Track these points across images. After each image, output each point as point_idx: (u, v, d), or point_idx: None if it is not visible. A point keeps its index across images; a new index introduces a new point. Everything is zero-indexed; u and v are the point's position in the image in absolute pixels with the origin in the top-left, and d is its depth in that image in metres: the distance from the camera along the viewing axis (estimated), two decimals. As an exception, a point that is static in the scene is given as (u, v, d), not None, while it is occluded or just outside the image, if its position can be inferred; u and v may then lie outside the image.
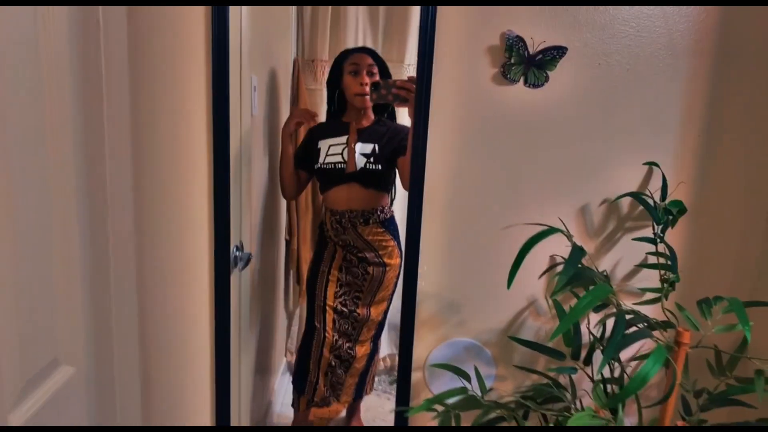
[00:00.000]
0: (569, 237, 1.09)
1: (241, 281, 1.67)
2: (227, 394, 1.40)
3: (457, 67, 1.25)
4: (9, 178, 0.84)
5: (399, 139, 2.07)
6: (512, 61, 1.22)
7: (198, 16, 1.21)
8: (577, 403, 1.26)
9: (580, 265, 0.95)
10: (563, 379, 1.33)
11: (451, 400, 1.27)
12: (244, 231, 1.72)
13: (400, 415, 1.40)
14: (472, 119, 1.28)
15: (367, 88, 2.06)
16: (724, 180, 1.30)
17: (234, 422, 1.50)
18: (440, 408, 1.26)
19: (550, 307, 1.37)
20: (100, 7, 1.06)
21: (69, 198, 1.02)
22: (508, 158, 1.30)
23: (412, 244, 1.32)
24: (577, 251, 0.95)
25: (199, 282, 1.36)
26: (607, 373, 1.19)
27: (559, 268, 1.27)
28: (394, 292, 2.33)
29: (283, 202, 2.83)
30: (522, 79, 1.25)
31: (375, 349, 2.39)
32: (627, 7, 1.20)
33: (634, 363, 1.33)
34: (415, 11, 2.90)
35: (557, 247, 1.31)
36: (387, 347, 3.21)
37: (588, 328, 1.27)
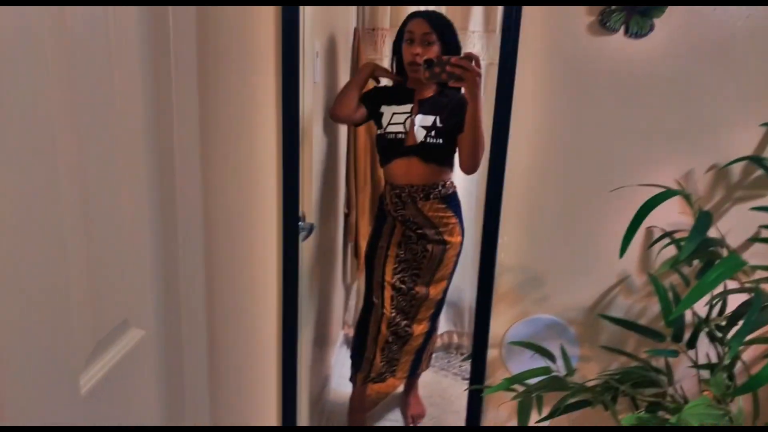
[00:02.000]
0: (690, 201, 0.96)
1: (303, 252, 1.62)
2: (294, 364, 1.36)
3: (548, 13, 1.13)
4: (79, 140, 0.80)
5: (462, 112, 1.92)
6: (612, 7, 1.09)
7: None
8: (677, 389, 1.15)
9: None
10: (656, 364, 1.21)
11: (531, 381, 1.18)
12: (305, 202, 1.67)
13: (475, 394, 1.31)
14: (565, 73, 1.16)
15: (419, 59, 1.92)
16: None
17: (297, 392, 1.46)
18: (520, 388, 1.17)
19: (644, 284, 1.25)
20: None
21: (138, 162, 0.98)
22: (604, 117, 1.17)
23: (492, 211, 1.22)
24: (705, 217, 0.83)
25: (267, 250, 1.32)
26: (708, 358, 1.06)
27: (666, 240, 1.14)
28: (453, 271, 2.24)
29: (342, 175, 2.77)
30: (623, 28, 1.11)
31: (433, 328, 2.32)
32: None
33: (748, 351, 1.19)
34: (483, -27, 2.75)
35: (655, 218, 1.18)
36: (444, 324, 3.13)
37: (692, 308, 1.15)
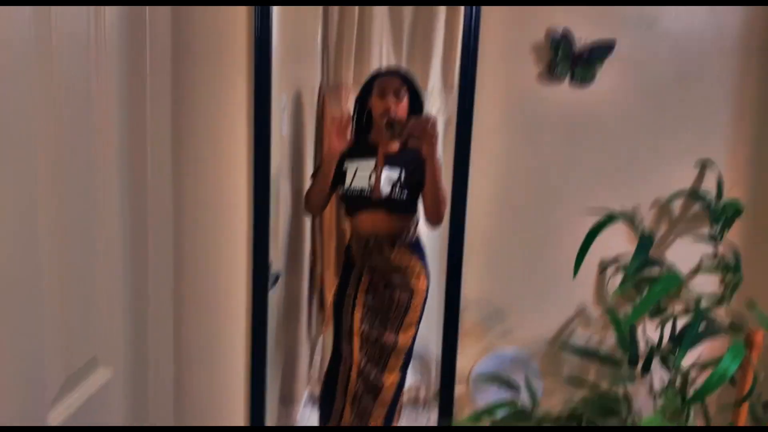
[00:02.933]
0: (634, 223, 1.04)
1: (270, 300, 1.63)
2: (262, 413, 1.34)
3: (502, 65, 1.24)
4: (60, 179, 0.83)
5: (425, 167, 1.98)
6: (558, 57, 1.20)
7: (241, 31, 1.23)
8: (634, 417, 1.19)
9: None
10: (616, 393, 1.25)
11: (499, 414, 1.20)
12: (272, 250, 1.69)
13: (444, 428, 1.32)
14: (517, 117, 1.26)
15: (393, 112, 2.01)
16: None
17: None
18: (487, 423, 1.19)
19: (601, 316, 1.31)
20: (147, 7, 1.07)
21: (112, 205, 1.02)
22: (554, 158, 1.26)
23: (456, 242, 1.27)
24: (646, 238, 0.90)
25: (236, 296, 1.34)
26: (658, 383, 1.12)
27: (619, 263, 1.21)
28: (421, 317, 2.25)
29: (308, 225, 2.80)
30: (568, 77, 1.22)
31: (403, 379, 2.30)
32: (675, 6, 1.19)
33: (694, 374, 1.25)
34: (439, 36, 2.93)
35: (605, 250, 1.26)
36: (411, 376, 3.11)
37: (644, 335, 1.21)
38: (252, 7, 1.23)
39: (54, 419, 0.84)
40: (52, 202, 0.81)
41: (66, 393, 0.88)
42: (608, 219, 0.93)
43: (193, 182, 1.28)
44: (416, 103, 2.09)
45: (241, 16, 1.24)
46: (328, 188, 2.12)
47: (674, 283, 0.80)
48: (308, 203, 2.22)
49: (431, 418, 2.91)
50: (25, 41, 0.71)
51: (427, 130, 1.66)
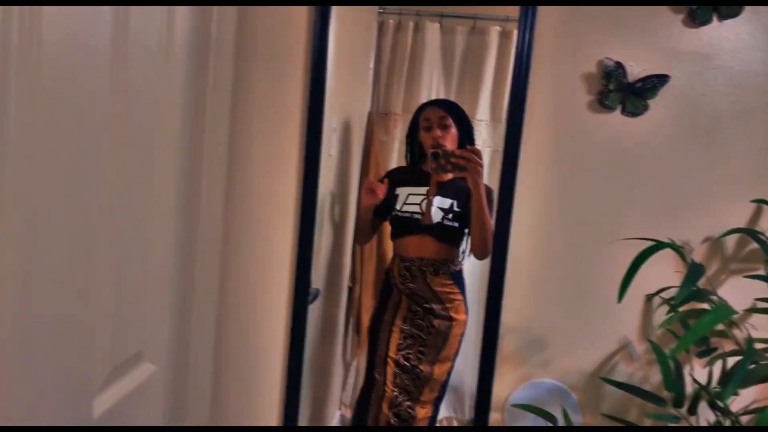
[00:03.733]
0: (682, 254, 1.01)
1: (309, 315, 1.65)
2: (295, 416, 1.35)
3: (552, 92, 1.25)
4: (120, 181, 0.87)
5: None
6: (610, 88, 1.20)
7: (299, 45, 1.28)
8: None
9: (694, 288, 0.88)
10: (659, 434, 1.21)
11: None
12: (313, 267, 1.72)
13: (476, 458, 1.30)
14: (566, 146, 1.26)
15: (441, 140, 2.05)
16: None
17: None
18: (522, 452, 1.16)
19: (645, 352, 1.27)
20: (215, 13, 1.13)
21: (167, 212, 1.06)
22: (602, 189, 1.25)
23: (497, 271, 1.27)
24: (696, 267, 0.88)
25: (276, 309, 1.37)
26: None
27: (665, 294, 1.18)
28: (458, 352, 2.22)
29: (349, 247, 2.83)
30: (620, 107, 1.22)
31: (436, 414, 2.26)
32: (732, 37, 1.18)
33: (746, 418, 1.19)
34: (490, 66, 2.96)
35: (652, 284, 1.23)
36: (444, 410, 3.05)
37: (692, 375, 1.16)
38: (311, 25, 1.28)
39: (99, 407, 0.87)
40: (111, 202, 0.85)
41: (112, 382, 0.91)
42: (657, 246, 0.92)
43: (245, 195, 1.33)
44: (466, 133, 2.11)
45: (300, 32, 1.29)
46: (370, 226, 2.17)
47: (726, 314, 0.77)
48: (356, 235, 2.29)
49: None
50: (102, 43, 0.76)
51: (473, 160, 1.67)
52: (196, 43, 1.09)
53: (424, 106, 2.20)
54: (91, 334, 0.83)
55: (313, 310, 1.82)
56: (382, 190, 2.07)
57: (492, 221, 1.84)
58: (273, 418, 1.40)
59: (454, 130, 2.08)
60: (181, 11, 1.00)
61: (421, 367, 2.10)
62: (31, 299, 0.65)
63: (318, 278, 1.98)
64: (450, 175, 2.08)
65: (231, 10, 1.18)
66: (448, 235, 2.06)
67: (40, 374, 0.71)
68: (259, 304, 1.37)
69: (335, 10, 1.40)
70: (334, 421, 2.93)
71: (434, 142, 2.05)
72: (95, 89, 0.77)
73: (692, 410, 1.09)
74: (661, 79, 1.19)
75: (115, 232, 0.86)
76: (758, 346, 1.15)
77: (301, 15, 1.30)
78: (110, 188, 0.83)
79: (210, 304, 1.27)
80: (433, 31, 2.64)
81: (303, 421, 1.82)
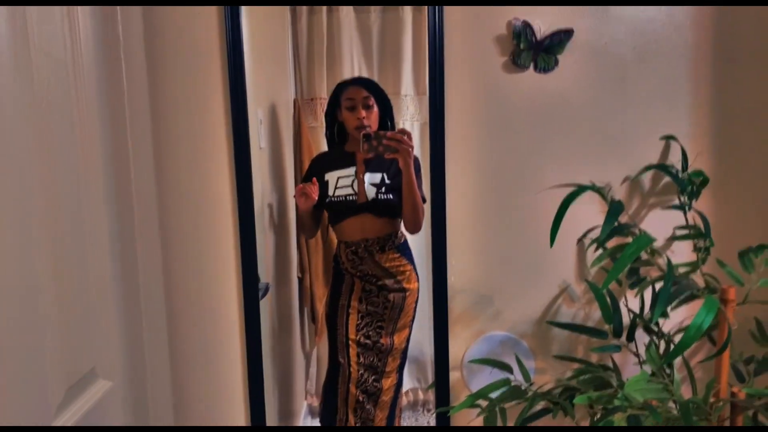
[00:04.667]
0: (603, 193, 1.09)
1: (261, 312, 1.65)
2: (262, 412, 1.36)
3: (468, 58, 1.29)
4: (51, 198, 0.85)
5: None
6: (521, 47, 1.26)
7: (213, 45, 1.27)
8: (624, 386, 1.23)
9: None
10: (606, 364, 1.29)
11: (493, 395, 1.23)
12: (260, 262, 1.72)
13: (442, 416, 1.35)
14: (486, 109, 1.31)
15: (366, 121, 2.07)
16: (741, 145, 1.32)
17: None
18: (484, 403, 1.22)
19: (583, 293, 1.35)
20: (120, 16, 1.10)
21: (101, 223, 1.04)
22: (525, 144, 1.31)
23: (438, 238, 1.31)
24: (616, 204, 0.95)
25: (227, 308, 1.36)
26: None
27: (593, 235, 1.25)
28: (414, 318, 2.29)
29: (293, 238, 2.82)
30: (532, 65, 1.28)
31: (400, 381, 2.33)
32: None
33: (678, 337, 1.30)
34: (407, 41, 2.99)
35: (582, 227, 1.31)
36: (408, 381, 3.12)
37: (626, 306, 1.25)
38: (223, 20, 1.27)
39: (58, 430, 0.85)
40: (44, 219, 0.83)
41: (68, 404, 0.90)
42: (579, 190, 0.98)
43: (178, 197, 1.31)
44: (386, 112, 2.14)
45: (212, 29, 1.27)
46: (311, 219, 2.19)
47: (646, 242, 0.84)
48: (301, 231, 2.31)
49: (431, 420, 2.93)
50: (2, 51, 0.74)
51: (404, 142, 1.71)
52: (104, 47, 1.06)
53: (344, 85, 2.21)
54: (41, 359, 0.81)
55: (267, 304, 1.82)
56: (315, 191, 2.08)
57: (420, 194, 1.89)
58: (240, 417, 1.41)
59: (376, 110, 2.11)
60: (82, 14, 0.97)
61: (382, 340, 2.16)
62: None
63: (267, 273, 1.98)
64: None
65: (135, 11, 1.15)
66: (385, 209, 2.10)
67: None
68: (210, 305, 1.36)
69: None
70: (303, 412, 2.95)
71: (359, 123, 2.07)
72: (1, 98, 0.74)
73: (630, 337, 1.18)
74: (566, 34, 1.25)
75: (49, 251, 0.83)
76: (682, 270, 1.25)
77: (211, 10, 1.28)
78: (39, 202, 0.81)
79: (158, 311, 1.25)
80: (347, 11, 2.64)
81: (272, 416, 1.83)
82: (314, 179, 2.09)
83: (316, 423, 2.36)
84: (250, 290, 1.37)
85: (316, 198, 2.10)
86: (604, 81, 1.29)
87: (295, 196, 2.12)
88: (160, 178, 1.29)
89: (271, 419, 1.82)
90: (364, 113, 2.06)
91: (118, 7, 1.08)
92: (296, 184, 2.39)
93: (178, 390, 1.34)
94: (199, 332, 1.36)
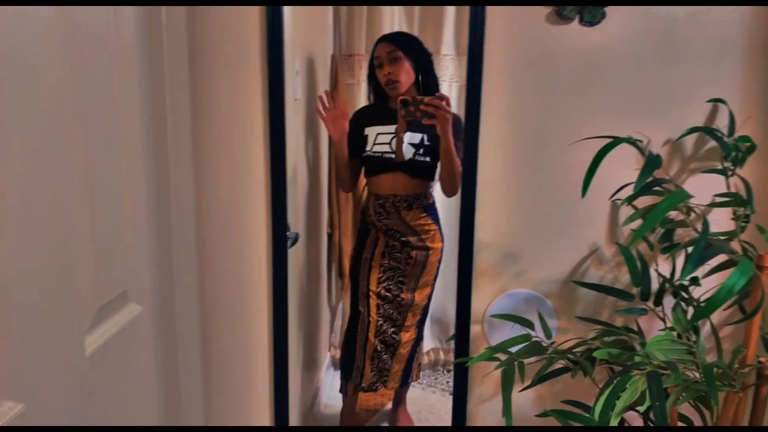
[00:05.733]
0: (640, 147, 1.05)
1: (290, 259, 1.68)
2: (285, 361, 1.40)
3: (510, 9, 1.25)
4: (86, 123, 0.87)
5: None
6: (567, -3, 1.21)
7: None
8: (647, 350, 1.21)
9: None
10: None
11: (513, 350, 1.23)
12: (290, 212, 1.74)
13: (460, 367, 1.36)
14: (527, 63, 1.27)
15: (393, 76, 2.04)
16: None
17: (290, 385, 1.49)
18: (503, 357, 1.23)
19: (613, 256, 1.33)
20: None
21: (136, 157, 1.07)
22: (564, 100, 1.28)
23: (468, 190, 1.30)
24: (653, 158, 0.92)
25: (256, 249, 1.39)
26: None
27: (626, 193, 1.22)
28: (436, 276, 2.31)
29: (325, 194, 2.84)
30: (577, 18, 1.23)
31: (420, 336, 2.37)
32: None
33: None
34: None
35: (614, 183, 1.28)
36: (430, 341, 3.16)
37: (656, 270, 1.23)
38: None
39: (90, 345, 0.90)
40: (81, 149, 0.85)
41: (100, 322, 0.94)
42: (616, 141, 0.95)
43: (212, 135, 1.33)
44: (421, 64, 2.09)
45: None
46: (349, 167, 2.18)
47: (681, 198, 0.82)
48: (338, 182, 2.30)
49: (450, 381, 2.97)
50: (50, 41, 0.75)
51: (441, 107, 1.68)
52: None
53: (376, 43, 2.19)
54: (73, 275, 0.84)
55: (296, 254, 1.85)
56: (344, 116, 2.07)
57: (460, 157, 1.86)
58: (264, 361, 1.45)
59: (406, 63, 2.07)
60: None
61: (402, 295, 2.19)
62: (10, 247, 0.67)
63: (298, 224, 2.00)
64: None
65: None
66: (420, 171, 2.09)
67: (31, 316, 0.73)
68: (239, 244, 1.39)
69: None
70: (326, 363, 3.02)
71: (386, 78, 2.05)
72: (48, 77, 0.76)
73: (657, 302, 1.16)
74: (615, -15, 1.20)
75: (86, 177, 0.86)
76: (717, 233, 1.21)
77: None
78: (74, 135, 0.83)
79: (188, 244, 1.29)
80: (389, -35, 2.57)
81: (295, 363, 1.88)
82: (341, 108, 2.09)
83: (338, 374, 2.42)
84: (279, 234, 1.39)
85: (347, 126, 2.10)
86: (652, 37, 1.24)
87: (326, 125, 2.11)
88: (196, 117, 1.31)
89: (295, 368, 1.87)
90: (389, 69, 2.04)
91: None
92: (330, 140, 2.38)
93: (204, 324, 1.39)
94: (228, 270, 1.39)
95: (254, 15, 1.28)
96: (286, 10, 1.55)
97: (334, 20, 2.98)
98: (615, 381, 0.86)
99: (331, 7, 2.91)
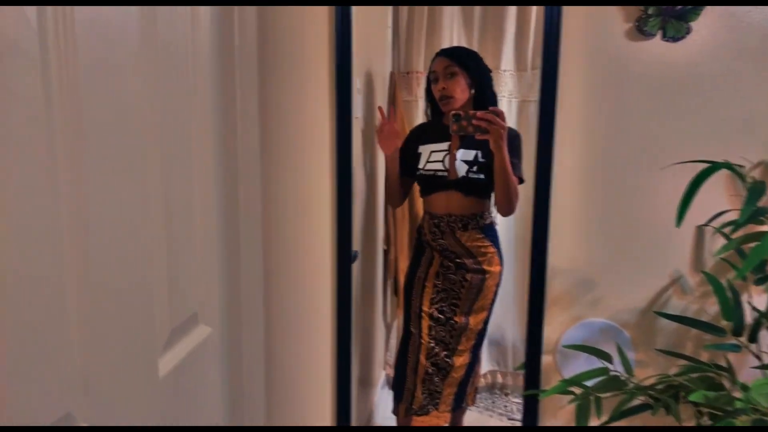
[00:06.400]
0: (741, 174, 0.98)
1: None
2: (348, 372, 1.38)
3: (586, 25, 1.20)
4: (164, 152, 0.88)
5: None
6: (649, 12, 1.15)
7: (322, 19, 1.26)
8: (739, 389, 1.12)
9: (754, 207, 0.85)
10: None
11: (588, 383, 1.17)
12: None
13: (529, 399, 1.30)
14: (604, 81, 1.21)
15: (447, 92, 2.01)
16: None
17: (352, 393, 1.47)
18: (577, 390, 1.16)
19: (698, 285, 1.24)
20: (236, 7, 1.12)
21: (209, 183, 1.08)
22: (645, 120, 1.21)
23: (541, 214, 1.24)
24: (759, 184, 0.85)
25: (321, 269, 1.38)
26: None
27: (716, 224, 1.14)
28: (494, 301, 2.23)
29: (381, 210, 2.83)
30: (660, 33, 1.17)
31: (475, 360, 2.29)
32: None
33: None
34: (511, 15, 2.88)
35: (702, 214, 1.20)
36: (488, 363, 3.08)
37: (750, 303, 1.14)
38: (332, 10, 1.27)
39: (163, 367, 0.90)
40: (159, 179, 0.86)
41: (172, 344, 0.94)
42: (715, 166, 0.88)
43: (280, 158, 1.33)
44: (479, 80, 2.04)
45: (322, 11, 1.27)
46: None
47: (792, 230, 0.74)
48: (387, 198, 2.28)
49: (508, 406, 2.87)
50: (132, 40, 0.77)
51: (495, 122, 1.63)
52: (220, 26, 1.08)
53: (434, 58, 2.16)
54: (149, 298, 0.84)
55: (354, 273, 1.84)
56: (397, 134, 2.04)
57: (518, 174, 1.80)
58: (326, 378, 1.43)
59: (462, 78, 2.02)
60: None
61: (456, 319, 2.12)
62: (92, 269, 0.67)
63: (355, 241, 1.99)
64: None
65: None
66: (474, 189, 2.03)
67: (109, 335, 0.73)
68: (305, 266, 1.38)
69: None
70: (381, 381, 2.99)
71: (440, 93, 2.01)
72: (127, 77, 0.77)
73: (753, 338, 1.07)
74: (702, -1, 1.13)
75: (163, 203, 0.87)
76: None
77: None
78: (153, 165, 0.84)
79: (256, 268, 1.28)
80: (450, -16, 2.55)
81: (353, 381, 1.86)
82: (396, 124, 2.06)
83: (392, 394, 2.38)
84: (344, 254, 1.38)
85: (399, 143, 2.07)
86: (742, 52, 1.16)
87: (378, 140, 2.09)
88: (265, 139, 1.31)
89: (354, 387, 1.85)
90: (443, 84, 2.00)
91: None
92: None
93: (269, 344, 1.38)
94: (293, 291, 1.38)
95: (323, 32, 1.28)
96: (355, 26, 1.55)
97: (393, 38, 2.98)
98: (715, 426, 0.79)
99: (390, 26, 2.92)
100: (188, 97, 0.97)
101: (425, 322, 2.16)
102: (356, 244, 1.98)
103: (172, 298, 0.92)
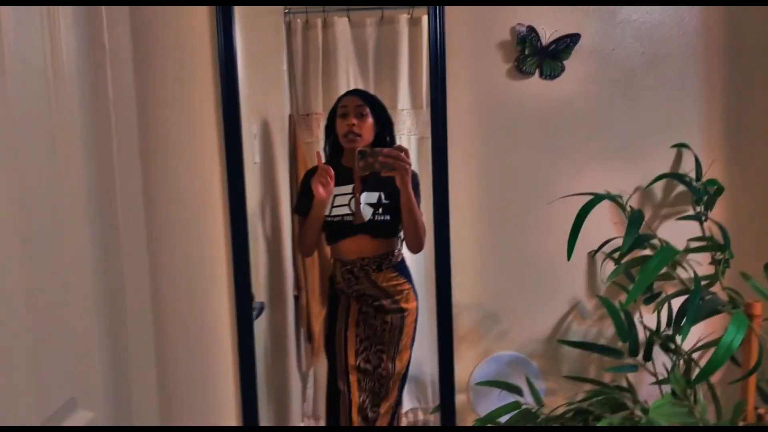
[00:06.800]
0: (621, 203, 1.02)
1: (256, 332, 1.58)
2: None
3: (470, 66, 1.24)
4: (24, 209, 0.78)
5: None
6: (526, 53, 1.21)
7: (204, 48, 1.21)
8: (640, 407, 1.16)
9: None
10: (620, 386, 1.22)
11: (502, 419, 1.16)
12: (254, 281, 1.65)
13: (449, 444, 1.27)
14: (490, 119, 1.25)
15: (356, 129, 2.01)
16: (757, 153, 1.27)
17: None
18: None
19: (595, 309, 1.29)
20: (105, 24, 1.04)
21: (83, 238, 0.97)
22: (530, 155, 1.26)
23: (442, 251, 1.24)
24: (637, 214, 0.89)
25: (220, 328, 1.29)
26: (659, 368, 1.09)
27: (612, 246, 1.19)
28: (414, 338, 2.21)
29: (288, 256, 2.75)
30: (537, 72, 1.23)
31: (398, 402, 2.25)
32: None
33: (696, 354, 1.23)
34: (404, 55, 2.96)
35: (591, 241, 1.25)
36: (408, 401, 3.04)
37: (642, 323, 1.19)
38: (215, 30, 1.21)
39: (31, 468, 0.78)
40: (18, 239, 0.76)
41: (43, 438, 0.82)
42: (597, 198, 0.92)
43: (167, 212, 1.24)
44: (383, 125, 2.07)
45: (203, 37, 1.22)
46: (320, 229, 2.10)
47: (671, 255, 0.78)
48: (302, 246, 2.19)
49: (432, 443, 2.84)
50: None
51: (401, 159, 1.64)
52: (88, 52, 1.00)
53: (341, 96, 2.15)
54: (7, 392, 0.73)
55: (261, 325, 1.75)
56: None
57: (420, 210, 1.81)
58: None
59: (370, 120, 2.03)
60: (63, 14, 0.91)
61: (383, 366, 2.07)
62: None
63: (261, 292, 1.90)
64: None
65: (123, 12, 1.09)
66: (382, 230, 2.02)
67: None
68: (202, 326, 1.28)
69: (238, 11, 1.33)
70: (299, 435, 2.85)
71: (348, 129, 2.01)
72: None
73: (648, 356, 1.11)
74: (573, 39, 1.20)
75: (24, 270, 0.77)
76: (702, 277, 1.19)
77: (203, 16, 1.23)
78: (9, 223, 0.74)
79: (145, 334, 1.17)
80: (342, 25, 2.60)
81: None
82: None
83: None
84: (244, 309, 1.30)
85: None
86: (612, 87, 1.24)
87: (312, 186, 2.01)
88: (149, 193, 1.22)
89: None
90: (354, 120, 2.00)
91: (103, 7, 1.03)
92: (291, 201, 2.32)
93: (166, 418, 1.26)
94: (190, 356, 1.28)
95: (207, 74, 1.23)
96: (241, 71, 1.50)
97: (289, 80, 2.97)
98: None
99: (285, 68, 2.91)
100: (51, 140, 0.87)
101: (353, 377, 2.08)
102: (262, 295, 1.89)
103: (38, 385, 0.81)
